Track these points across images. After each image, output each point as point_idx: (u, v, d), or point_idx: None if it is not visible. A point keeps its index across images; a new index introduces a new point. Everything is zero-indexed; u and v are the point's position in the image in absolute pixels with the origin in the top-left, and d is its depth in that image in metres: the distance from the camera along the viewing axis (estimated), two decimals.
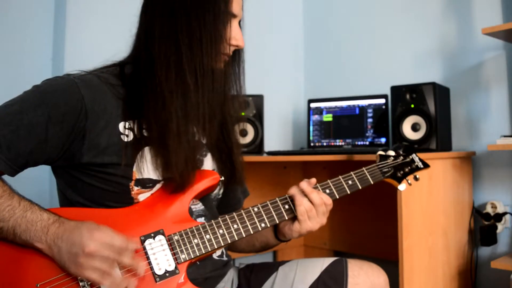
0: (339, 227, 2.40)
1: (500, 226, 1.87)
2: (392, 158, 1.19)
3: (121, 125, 0.97)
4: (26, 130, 0.90)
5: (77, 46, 1.96)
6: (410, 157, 1.21)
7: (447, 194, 1.79)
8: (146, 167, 0.98)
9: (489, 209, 1.91)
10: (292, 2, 2.79)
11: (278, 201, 1.06)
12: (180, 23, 0.98)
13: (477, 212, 1.94)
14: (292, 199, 1.06)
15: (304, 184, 1.06)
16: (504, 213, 1.87)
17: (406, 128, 1.85)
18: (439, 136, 1.79)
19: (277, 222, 1.05)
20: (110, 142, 0.95)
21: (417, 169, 1.21)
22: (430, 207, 1.69)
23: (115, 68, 1.05)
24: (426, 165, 1.22)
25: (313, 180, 1.08)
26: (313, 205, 1.04)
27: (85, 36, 1.97)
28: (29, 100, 0.93)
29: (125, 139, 0.97)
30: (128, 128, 0.98)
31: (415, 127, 1.83)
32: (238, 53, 1.10)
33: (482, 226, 1.85)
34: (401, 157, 1.20)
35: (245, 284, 1.17)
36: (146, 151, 0.99)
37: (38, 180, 1.75)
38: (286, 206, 1.06)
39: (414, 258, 1.57)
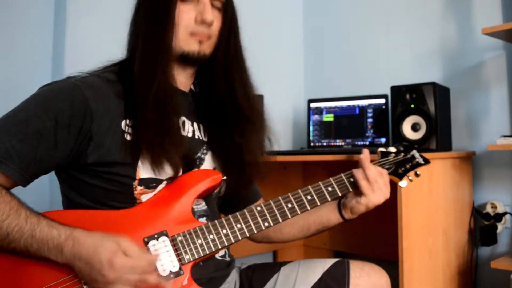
0: (339, 227, 2.37)
1: (500, 226, 1.87)
2: (393, 154, 1.20)
3: (123, 123, 0.97)
4: (34, 138, 0.89)
5: (77, 46, 1.95)
6: (411, 153, 1.22)
7: (447, 194, 1.79)
8: (148, 166, 0.98)
9: (489, 209, 1.91)
10: (292, 2, 2.79)
11: (281, 200, 1.06)
12: (139, 19, 1.05)
13: (477, 212, 1.94)
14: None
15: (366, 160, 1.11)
16: (504, 213, 1.87)
17: (406, 128, 1.85)
18: (439, 136, 1.79)
19: (281, 221, 1.04)
20: (114, 141, 0.95)
21: (418, 165, 1.21)
22: (430, 207, 1.69)
23: (115, 67, 1.06)
24: (426, 161, 1.23)
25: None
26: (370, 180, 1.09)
27: (85, 36, 1.96)
28: (33, 108, 0.92)
29: (128, 138, 0.97)
30: (130, 126, 0.98)
31: (415, 127, 1.83)
32: (223, 55, 1.10)
33: (482, 226, 1.86)
34: (402, 154, 1.21)
35: (247, 284, 1.18)
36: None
37: (39, 183, 1.73)
38: (289, 205, 1.06)
39: (414, 258, 1.57)
